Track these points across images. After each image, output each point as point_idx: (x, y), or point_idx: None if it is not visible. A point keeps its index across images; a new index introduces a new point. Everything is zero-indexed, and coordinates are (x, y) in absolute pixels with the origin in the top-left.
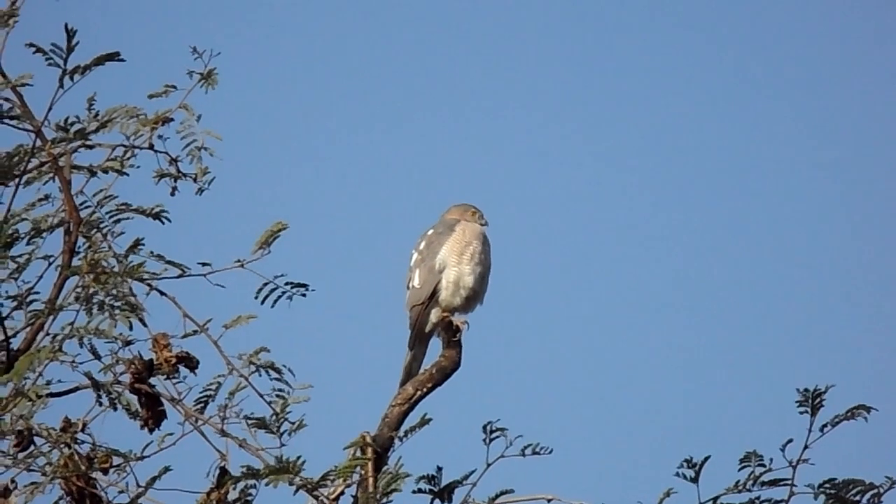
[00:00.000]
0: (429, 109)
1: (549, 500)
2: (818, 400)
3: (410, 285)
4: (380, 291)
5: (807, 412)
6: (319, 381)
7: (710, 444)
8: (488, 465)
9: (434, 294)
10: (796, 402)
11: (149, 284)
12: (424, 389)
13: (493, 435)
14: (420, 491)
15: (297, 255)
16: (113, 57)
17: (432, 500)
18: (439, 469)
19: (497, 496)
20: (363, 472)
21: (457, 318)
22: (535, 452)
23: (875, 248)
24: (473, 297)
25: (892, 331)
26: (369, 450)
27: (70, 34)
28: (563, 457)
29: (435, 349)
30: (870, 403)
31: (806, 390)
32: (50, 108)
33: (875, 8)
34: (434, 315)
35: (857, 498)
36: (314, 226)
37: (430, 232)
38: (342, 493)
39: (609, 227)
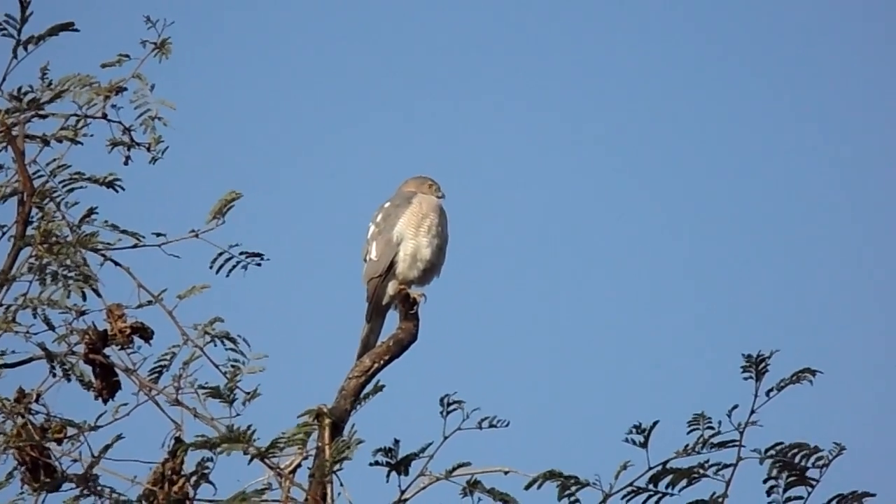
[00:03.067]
0: (389, 81)
1: (505, 473)
2: (762, 365)
3: (367, 258)
4: (336, 263)
5: (751, 377)
6: (276, 352)
7: (667, 411)
8: (445, 438)
9: (391, 266)
10: (741, 367)
11: (103, 255)
12: (381, 362)
13: (450, 408)
14: (377, 464)
15: (253, 225)
16: (67, 27)
17: (389, 472)
18: (396, 442)
19: (454, 469)
20: (319, 442)
21: (414, 291)
22: (491, 425)
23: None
24: (431, 270)
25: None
26: (325, 419)
27: (24, 4)
28: (520, 429)
29: (392, 322)
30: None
31: (749, 356)
32: (3, 79)
33: (876, 6)
34: (391, 287)
35: (803, 462)
36: (270, 195)
37: (387, 204)
38: (299, 465)
39: (564, 198)
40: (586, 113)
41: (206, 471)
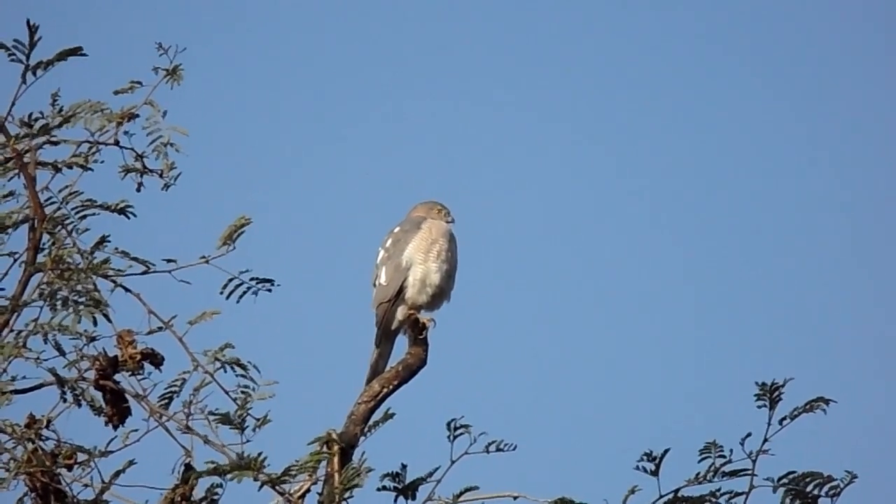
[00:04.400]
0: (398, 107)
1: (514, 498)
2: (776, 393)
3: (377, 283)
4: (346, 289)
5: (765, 406)
6: (286, 378)
7: (675, 439)
8: (452, 462)
9: (400, 292)
10: (755, 395)
11: (113, 281)
12: (391, 387)
13: (457, 432)
14: (384, 489)
15: (263, 251)
16: (76, 52)
17: (396, 497)
18: (404, 466)
19: (461, 493)
20: (329, 468)
21: (423, 316)
22: (498, 449)
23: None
24: (440, 295)
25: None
26: (335, 446)
27: (32, 29)
28: (528, 454)
29: (401, 347)
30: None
31: (764, 384)
32: (13, 104)
33: (875, 8)
34: (400, 313)
35: (816, 491)
36: (281, 222)
37: (397, 229)
38: (308, 490)
39: (575, 225)
40: (600, 130)
41: (215, 496)
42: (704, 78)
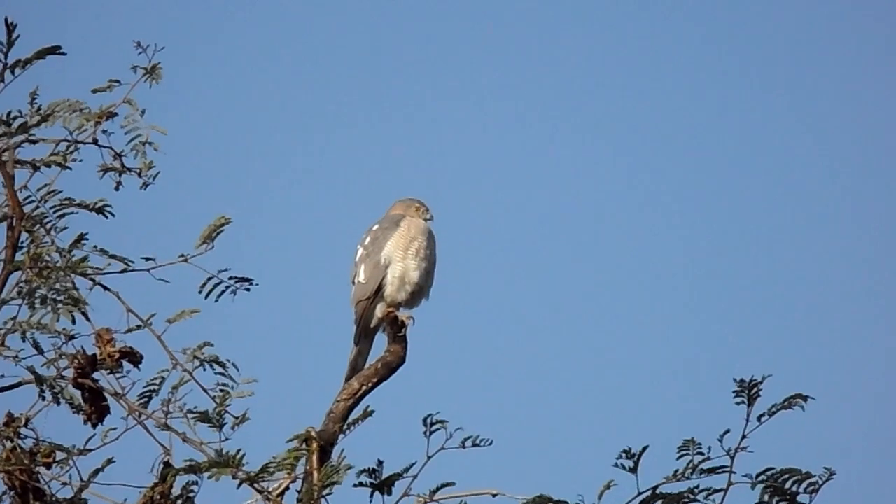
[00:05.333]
0: (374, 103)
1: (493, 495)
2: (754, 390)
3: (355, 280)
4: (325, 286)
5: (743, 402)
6: (264, 376)
7: (653, 435)
8: (429, 458)
9: (379, 289)
10: (733, 391)
11: (92, 279)
12: (370, 384)
13: (433, 427)
14: (361, 484)
15: (241, 249)
16: (54, 51)
17: (372, 493)
18: (380, 462)
19: (437, 489)
20: (308, 465)
21: (402, 314)
22: (475, 444)
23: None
24: (419, 293)
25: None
26: (314, 443)
27: (10, 28)
28: (506, 450)
29: (380, 344)
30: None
31: (742, 381)
32: None
33: (875, 7)
34: (379, 310)
35: (794, 488)
36: (259, 220)
37: (375, 227)
38: (287, 488)
39: (555, 222)
40: (586, 126)
41: (191, 494)
42: (698, 74)
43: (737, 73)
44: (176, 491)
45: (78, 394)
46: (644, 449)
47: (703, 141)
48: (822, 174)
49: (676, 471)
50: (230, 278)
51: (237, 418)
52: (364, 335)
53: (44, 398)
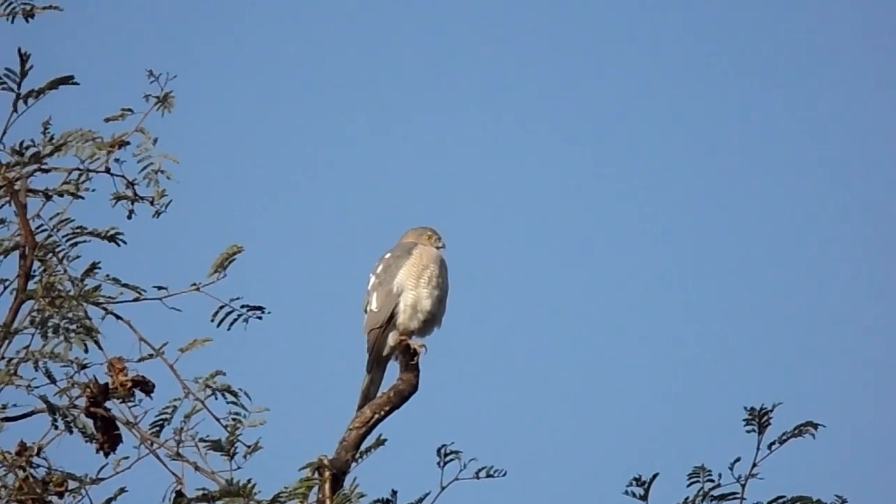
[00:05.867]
0: (386, 132)
1: None
2: (765, 418)
3: (368, 309)
4: (337, 315)
5: (754, 430)
6: (277, 405)
7: (666, 463)
8: (442, 489)
9: (392, 317)
10: (743, 420)
11: (104, 308)
12: (382, 413)
13: (447, 458)
14: None
15: (254, 278)
16: (67, 80)
17: None
18: (394, 492)
19: None
20: (321, 494)
21: (414, 342)
22: (489, 475)
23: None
24: (431, 321)
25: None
26: (326, 472)
27: (23, 58)
28: (519, 480)
29: (392, 373)
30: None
31: (752, 409)
32: (4, 132)
33: (874, 7)
34: (392, 338)
35: None
36: (271, 248)
37: (388, 255)
38: None
39: (567, 251)
40: (593, 156)
41: None
42: (694, 79)
43: (737, 75)
44: None
45: (90, 423)
46: (654, 476)
47: (710, 146)
48: (822, 175)
49: (687, 498)
50: (242, 307)
51: (249, 447)
52: (376, 363)
53: (56, 427)
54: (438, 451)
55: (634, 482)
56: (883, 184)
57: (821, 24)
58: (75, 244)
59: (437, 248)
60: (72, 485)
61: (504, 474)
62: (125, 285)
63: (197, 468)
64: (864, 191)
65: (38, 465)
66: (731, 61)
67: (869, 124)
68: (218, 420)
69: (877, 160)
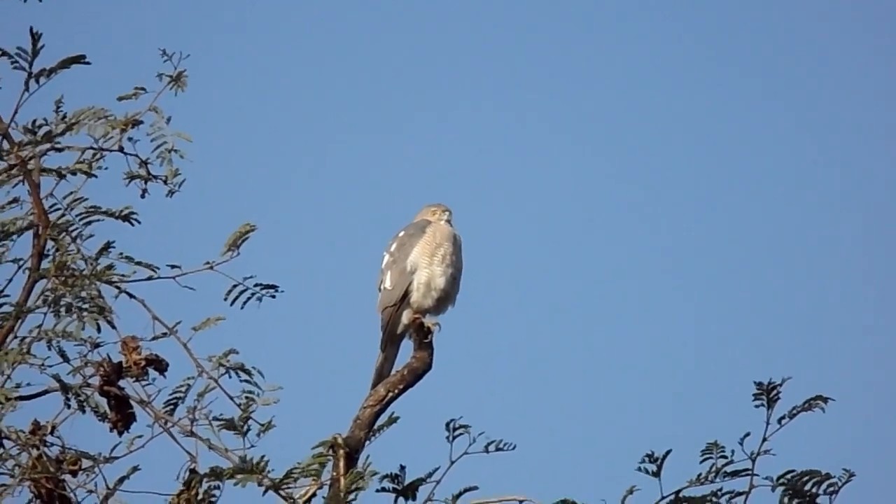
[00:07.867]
0: (402, 110)
1: (520, 502)
2: (774, 393)
3: (382, 287)
4: (351, 293)
5: (763, 405)
6: (290, 383)
7: (678, 439)
8: (452, 463)
9: (406, 296)
10: (753, 395)
11: (117, 287)
12: (396, 391)
13: (456, 432)
14: (384, 489)
15: (267, 256)
16: (78, 60)
17: (396, 498)
18: (402, 468)
19: (460, 493)
20: (335, 472)
21: (428, 320)
22: (498, 449)
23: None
24: (445, 299)
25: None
26: (340, 450)
27: (35, 37)
28: (531, 455)
29: (406, 351)
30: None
31: (761, 384)
32: (17, 111)
33: (874, 7)
34: (405, 317)
35: (814, 489)
36: (285, 227)
37: (402, 233)
38: (314, 494)
39: (579, 230)
40: (607, 140)
41: (213, 499)
42: (697, 79)
43: (738, 76)
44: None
45: (104, 401)
46: (667, 453)
47: (714, 145)
48: (822, 173)
49: (699, 474)
50: (256, 285)
51: (262, 425)
52: (390, 342)
53: (69, 406)
54: (447, 425)
55: (647, 459)
56: (883, 184)
57: (821, 25)
58: (89, 223)
59: (445, 221)
60: (85, 463)
61: (514, 448)
62: (138, 263)
63: (210, 446)
64: (865, 190)
65: (52, 444)
66: (734, 62)
67: (869, 124)
68: (231, 398)
69: (877, 160)
